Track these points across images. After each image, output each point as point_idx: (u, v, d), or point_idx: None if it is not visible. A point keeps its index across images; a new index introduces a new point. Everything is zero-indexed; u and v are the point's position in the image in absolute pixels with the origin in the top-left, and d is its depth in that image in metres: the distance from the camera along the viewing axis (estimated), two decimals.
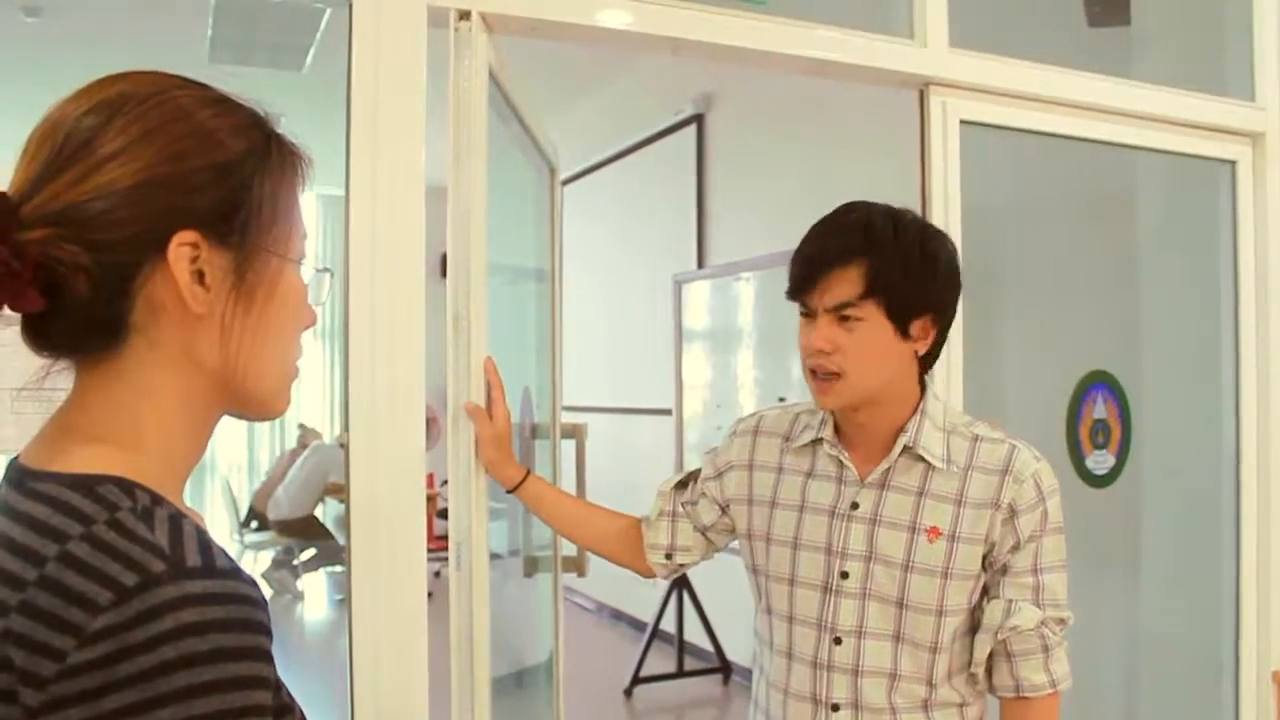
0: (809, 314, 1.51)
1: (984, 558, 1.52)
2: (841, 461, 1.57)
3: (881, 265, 1.46)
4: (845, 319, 1.47)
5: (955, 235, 2.29)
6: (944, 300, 1.54)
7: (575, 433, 2.47)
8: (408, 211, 1.74)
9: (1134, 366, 2.81)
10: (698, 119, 6.03)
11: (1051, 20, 3.08)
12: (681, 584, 5.43)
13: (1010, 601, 1.51)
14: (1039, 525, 1.51)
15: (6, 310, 0.72)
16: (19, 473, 0.75)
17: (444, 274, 1.80)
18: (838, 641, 1.54)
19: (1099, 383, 2.69)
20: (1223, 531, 2.76)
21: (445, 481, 1.86)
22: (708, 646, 5.54)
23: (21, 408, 0.82)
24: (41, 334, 0.76)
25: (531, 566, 2.46)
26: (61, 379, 0.78)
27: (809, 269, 1.50)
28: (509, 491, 1.83)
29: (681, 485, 1.79)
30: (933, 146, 2.29)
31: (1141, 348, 2.93)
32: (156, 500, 0.72)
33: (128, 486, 0.71)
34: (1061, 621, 1.53)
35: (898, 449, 1.53)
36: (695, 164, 6.04)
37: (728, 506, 1.70)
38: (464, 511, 1.80)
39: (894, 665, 1.53)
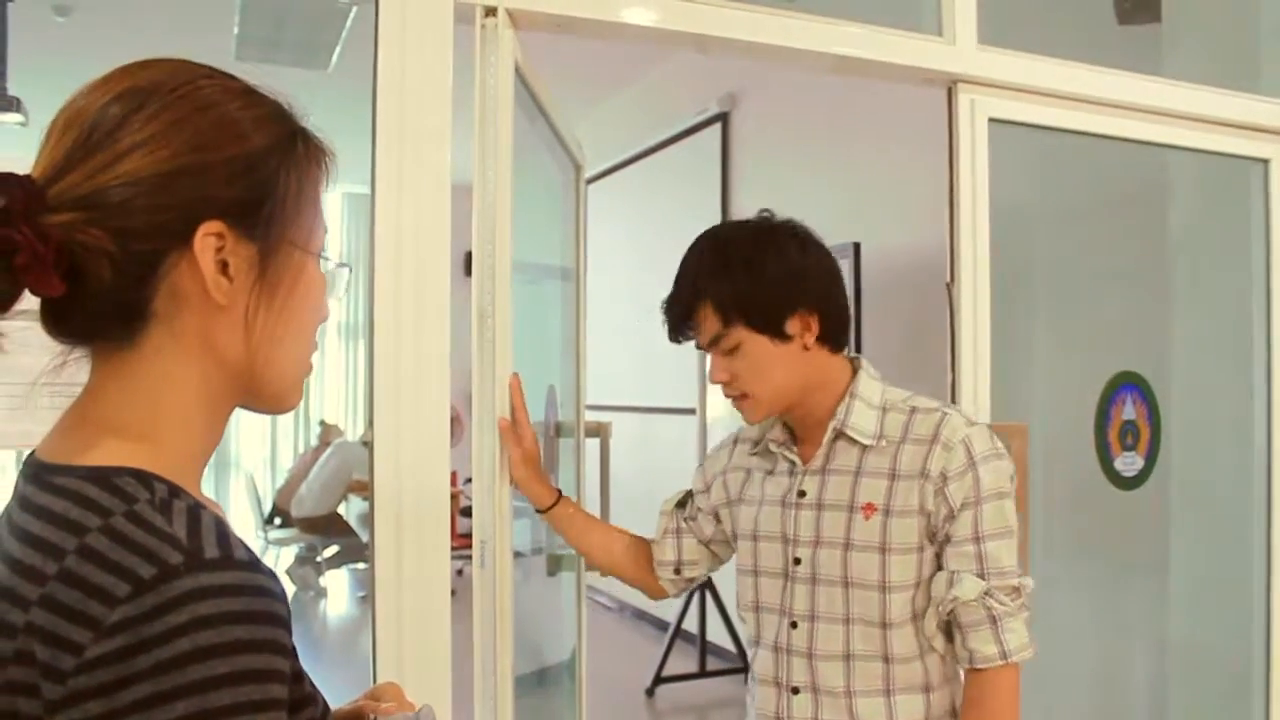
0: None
1: (928, 530, 1.52)
2: (789, 456, 1.62)
3: (722, 295, 1.53)
4: (726, 350, 1.55)
5: (983, 234, 2.27)
6: (802, 291, 1.55)
7: (599, 431, 2.47)
8: (433, 209, 1.74)
9: (1164, 367, 2.78)
10: (723, 118, 6.01)
11: (1081, 17, 3.05)
12: (704, 584, 5.42)
13: (953, 573, 1.51)
14: (971, 492, 1.49)
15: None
16: (37, 467, 0.74)
17: (469, 272, 1.80)
18: (794, 625, 1.58)
19: (1128, 384, 2.66)
20: (1253, 535, 2.73)
21: (468, 479, 1.86)
22: (730, 646, 5.52)
23: (38, 402, 0.80)
24: (60, 320, 0.75)
25: (554, 565, 2.46)
26: (80, 374, 0.77)
27: (670, 322, 1.60)
28: (539, 512, 1.87)
29: (681, 503, 1.86)
30: (961, 145, 2.27)
31: (1171, 348, 2.90)
32: (175, 492, 0.72)
33: (146, 478, 0.71)
34: (1015, 590, 1.50)
35: (829, 433, 1.58)
36: (720, 163, 6.02)
37: (718, 514, 1.78)
38: (488, 510, 1.80)
39: (846, 647, 1.55)
